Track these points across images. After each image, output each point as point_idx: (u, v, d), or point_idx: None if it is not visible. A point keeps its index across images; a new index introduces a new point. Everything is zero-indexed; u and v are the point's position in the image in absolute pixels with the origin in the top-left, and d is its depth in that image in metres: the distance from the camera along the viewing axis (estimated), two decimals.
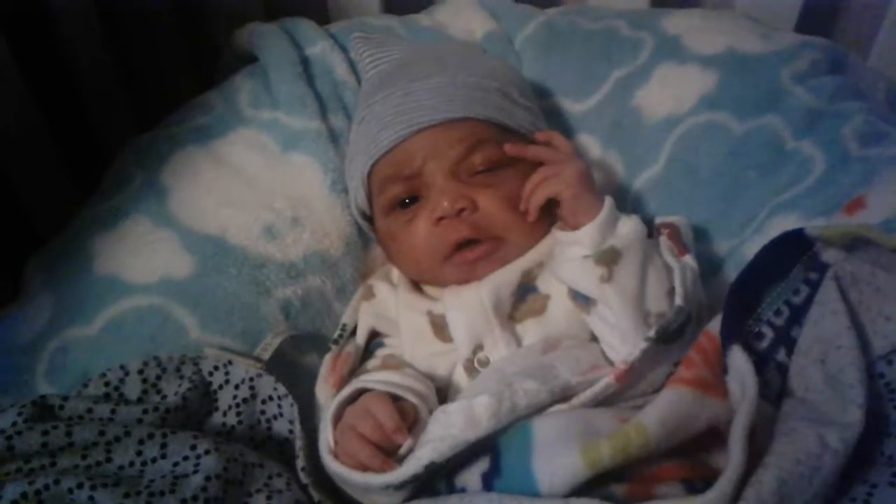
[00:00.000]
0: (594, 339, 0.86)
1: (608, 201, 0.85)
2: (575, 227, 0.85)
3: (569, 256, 0.84)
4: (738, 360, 0.69)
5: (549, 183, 0.88)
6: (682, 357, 0.75)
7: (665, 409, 0.68)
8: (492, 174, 0.92)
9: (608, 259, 0.81)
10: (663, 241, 0.85)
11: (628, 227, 0.84)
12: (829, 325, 0.73)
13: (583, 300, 0.83)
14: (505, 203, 0.90)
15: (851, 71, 1.06)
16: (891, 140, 0.92)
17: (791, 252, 0.78)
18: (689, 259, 0.84)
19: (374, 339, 0.96)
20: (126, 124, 1.25)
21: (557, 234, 0.87)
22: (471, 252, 0.90)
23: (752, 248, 0.92)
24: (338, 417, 0.80)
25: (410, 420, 0.78)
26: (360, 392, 0.82)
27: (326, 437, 0.79)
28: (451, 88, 0.95)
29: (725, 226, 0.99)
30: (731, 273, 0.94)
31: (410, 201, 0.93)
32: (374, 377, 0.85)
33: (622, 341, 0.80)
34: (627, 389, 0.77)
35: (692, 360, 0.73)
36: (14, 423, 0.71)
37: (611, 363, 0.82)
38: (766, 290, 0.77)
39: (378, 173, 0.96)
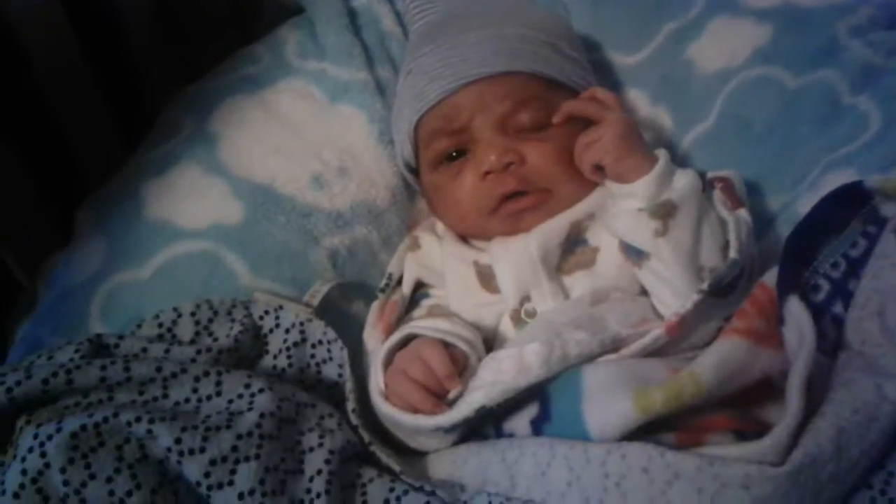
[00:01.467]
0: (643, 292, 0.85)
1: (664, 155, 0.84)
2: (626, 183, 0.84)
3: (623, 209, 0.83)
4: (796, 309, 0.68)
5: (589, 150, 0.87)
6: (733, 311, 0.75)
7: (719, 358, 0.68)
8: (540, 131, 0.91)
9: (663, 212, 0.80)
10: (717, 194, 0.84)
11: (684, 180, 0.82)
12: (888, 277, 0.72)
13: (635, 254, 0.83)
14: (552, 156, 0.89)
15: None
16: None
17: (849, 205, 0.77)
18: (742, 213, 0.83)
19: (420, 289, 0.97)
20: (171, 77, 1.25)
21: (611, 187, 0.86)
22: (517, 203, 0.89)
23: (805, 205, 0.91)
24: (388, 362, 0.81)
25: (461, 367, 0.78)
26: (410, 338, 0.83)
27: (377, 379, 0.80)
28: (498, 41, 0.94)
29: (778, 182, 0.97)
30: (784, 229, 0.92)
31: (457, 155, 0.93)
32: (424, 324, 0.85)
33: (674, 296, 0.79)
34: (677, 342, 0.77)
35: (746, 311, 0.73)
36: (71, 359, 0.72)
37: (660, 317, 0.81)
38: (823, 243, 0.76)
39: (425, 127, 0.95)
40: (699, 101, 1.05)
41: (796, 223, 0.90)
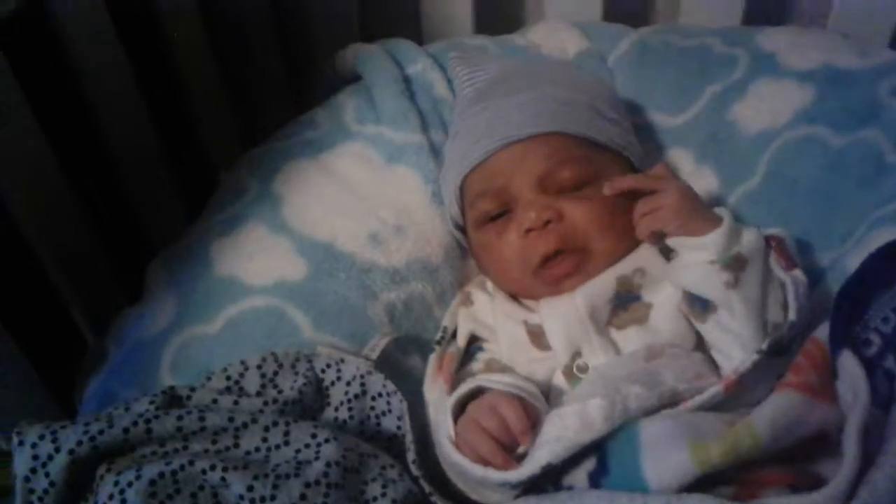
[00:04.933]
0: (697, 348, 0.87)
1: (727, 213, 0.86)
2: None
3: (692, 261, 0.85)
4: (849, 363, 0.69)
5: (650, 219, 0.89)
6: (786, 369, 0.76)
7: (775, 411, 0.69)
8: (580, 189, 0.93)
9: (735, 265, 0.82)
10: (772, 254, 0.86)
11: (751, 236, 0.84)
12: None
13: (701, 307, 0.84)
14: (592, 213, 0.91)
15: None
16: None
17: None
18: (798, 273, 0.84)
19: (473, 343, 0.99)
20: (232, 142, 1.32)
21: (679, 241, 0.87)
22: (555, 268, 0.91)
23: (853, 261, 0.91)
24: (456, 411, 0.83)
25: (532, 422, 0.79)
26: (477, 391, 0.84)
27: (448, 427, 0.81)
28: (540, 104, 0.97)
29: (825, 239, 0.98)
30: (832, 285, 0.93)
31: (500, 215, 0.96)
32: (494, 377, 0.86)
33: (741, 348, 0.80)
34: (733, 400, 0.78)
35: (800, 366, 0.74)
36: (148, 410, 0.76)
37: (716, 372, 0.83)
38: (873, 298, 0.77)
39: (470, 188, 0.99)
40: (744, 160, 1.08)
41: (845, 279, 0.91)
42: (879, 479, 0.61)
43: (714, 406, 0.77)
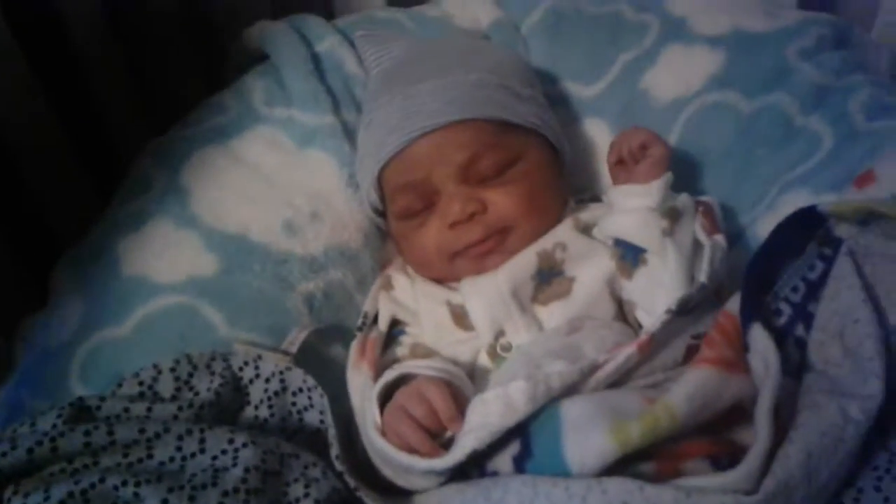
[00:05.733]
0: (617, 319, 0.88)
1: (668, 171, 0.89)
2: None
3: (633, 206, 0.88)
4: (759, 337, 0.71)
5: (645, 133, 0.92)
6: (701, 329, 0.79)
7: (691, 388, 0.70)
8: (500, 176, 0.93)
9: (672, 215, 0.85)
10: (698, 217, 0.88)
11: (683, 196, 0.89)
12: (846, 299, 0.75)
13: (632, 259, 0.86)
14: (514, 198, 0.92)
15: (856, 44, 1.08)
16: None
17: (805, 228, 0.80)
18: (719, 238, 0.87)
19: (395, 326, 0.98)
20: (138, 127, 1.26)
21: (622, 188, 0.91)
22: (478, 248, 0.92)
23: (764, 226, 0.94)
24: (382, 399, 0.82)
25: (461, 407, 0.79)
26: (402, 377, 0.84)
27: (374, 414, 0.81)
28: (453, 90, 0.96)
29: (737, 204, 1.01)
30: (744, 250, 0.95)
31: (422, 209, 0.95)
32: (421, 363, 0.86)
33: (666, 299, 0.81)
34: (648, 360, 0.79)
35: (714, 340, 0.75)
36: (55, 426, 0.72)
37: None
38: (782, 268, 0.79)
39: (388, 179, 0.97)
40: (658, 129, 1.04)
41: (755, 244, 0.94)
42: (792, 454, 0.63)
43: (632, 369, 0.78)
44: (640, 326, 0.88)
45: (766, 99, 1.02)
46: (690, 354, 0.80)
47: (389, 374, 0.85)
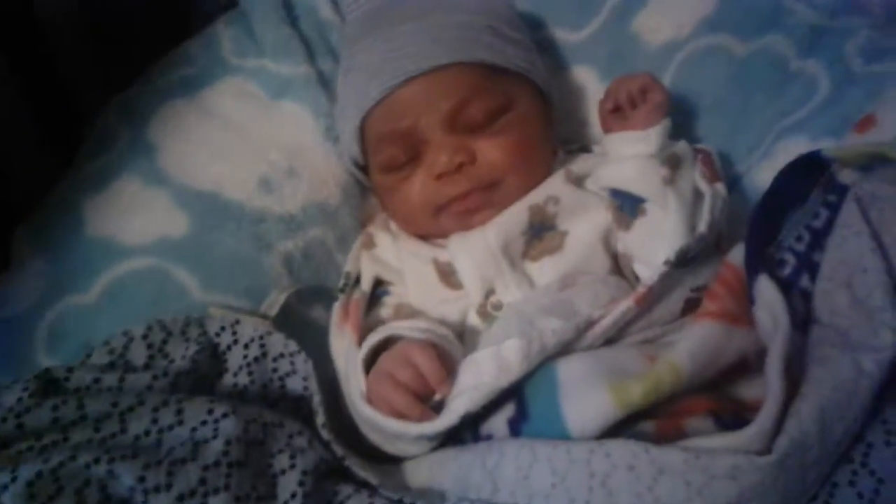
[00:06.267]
0: (612, 273, 0.85)
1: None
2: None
3: (631, 154, 0.84)
4: (766, 290, 0.68)
5: (644, 78, 0.88)
6: (700, 282, 0.76)
7: (694, 344, 0.68)
8: (490, 125, 0.89)
9: (672, 162, 0.82)
10: (698, 165, 0.85)
11: (681, 143, 0.86)
12: (853, 246, 0.71)
13: (630, 209, 0.83)
14: (505, 149, 0.88)
15: None
16: (894, 55, 0.89)
17: (807, 175, 0.76)
18: (720, 186, 0.83)
19: (378, 286, 0.94)
20: (97, 80, 1.19)
21: (618, 135, 0.87)
22: (461, 203, 0.88)
23: (760, 174, 0.92)
24: (367, 363, 0.78)
25: (449, 369, 0.76)
26: (387, 339, 0.80)
27: (359, 381, 0.77)
28: (436, 30, 0.90)
29: (733, 152, 0.97)
30: (740, 198, 0.92)
31: (407, 161, 0.90)
32: (405, 325, 0.82)
33: (668, 249, 0.77)
34: (646, 314, 0.76)
35: (716, 293, 0.72)
36: (20, 400, 0.67)
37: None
38: (785, 216, 0.75)
39: (371, 128, 0.92)
40: None
41: (751, 194, 0.91)
42: (805, 411, 0.60)
43: (629, 324, 0.75)
44: (636, 280, 0.84)
45: (761, 41, 0.98)
46: (689, 308, 0.77)
47: (373, 338, 0.81)
